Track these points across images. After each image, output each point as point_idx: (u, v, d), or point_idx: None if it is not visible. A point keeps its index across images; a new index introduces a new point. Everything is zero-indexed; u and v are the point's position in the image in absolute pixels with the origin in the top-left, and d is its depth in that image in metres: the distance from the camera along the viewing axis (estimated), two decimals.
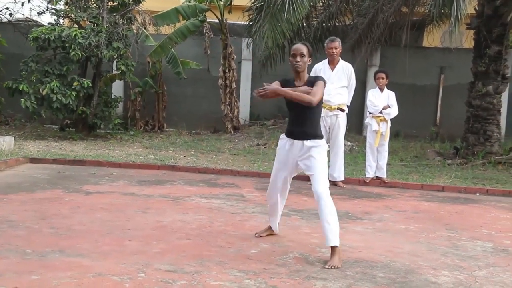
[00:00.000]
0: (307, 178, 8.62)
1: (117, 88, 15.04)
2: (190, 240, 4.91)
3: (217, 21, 14.58)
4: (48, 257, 4.14)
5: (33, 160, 9.22)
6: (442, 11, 11.48)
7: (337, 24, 14.55)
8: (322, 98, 4.70)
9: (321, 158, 4.70)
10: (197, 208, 6.35)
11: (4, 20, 14.82)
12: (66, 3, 13.65)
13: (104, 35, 12.12)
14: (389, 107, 8.70)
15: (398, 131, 14.26)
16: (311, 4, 12.50)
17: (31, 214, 5.57)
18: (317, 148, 4.70)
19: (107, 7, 12.88)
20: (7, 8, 14.57)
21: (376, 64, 15.28)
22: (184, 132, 14.45)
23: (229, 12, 14.58)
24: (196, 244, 4.79)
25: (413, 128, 14.85)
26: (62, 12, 13.46)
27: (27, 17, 15.45)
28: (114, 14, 13.02)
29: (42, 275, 3.73)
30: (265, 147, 12.43)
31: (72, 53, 11.73)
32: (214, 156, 11.03)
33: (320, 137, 4.78)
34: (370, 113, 8.87)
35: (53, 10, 13.51)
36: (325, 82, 4.78)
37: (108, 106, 13.23)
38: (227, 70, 14.48)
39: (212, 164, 9.91)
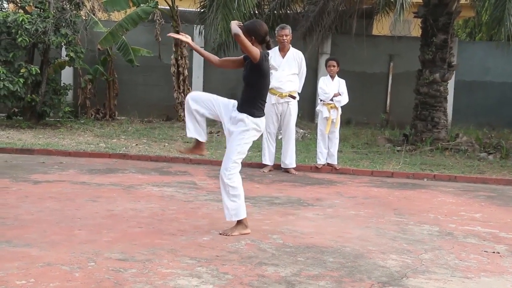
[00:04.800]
0: (259, 165, 8.72)
1: (67, 76, 14.71)
2: (141, 229, 4.88)
3: (168, 8, 14.42)
4: None
5: None
6: None
7: (288, 12, 14.61)
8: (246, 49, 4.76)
9: (238, 137, 4.82)
10: (149, 196, 6.32)
11: None
12: None
13: (52, 21, 11.83)
14: (340, 95, 8.80)
15: (349, 118, 14.47)
16: None
17: None
18: (242, 123, 4.82)
19: None
20: None
21: (327, 52, 15.42)
22: (136, 120, 14.29)
23: None
24: (147, 232, 4.77)
25: (364, 116, 15.09)
26: None
27: None
28: None
29: None
30: (218, 135, 12.42)
31: (19, 39, 11.41)
32: (167, 144, 10.96)
33: (252, 115, 4.84)
34: (321, 100, 8.96)
35: None
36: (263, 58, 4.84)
37: (57, 93, 12.94)
38: (179, 58, 14.37)
39: (165, 152, 9.85)
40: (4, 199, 5.72)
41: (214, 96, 5.06)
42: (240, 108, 4.89)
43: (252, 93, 4.94)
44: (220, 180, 4.93)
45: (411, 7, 10.35)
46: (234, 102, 4.99)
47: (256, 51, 4.77)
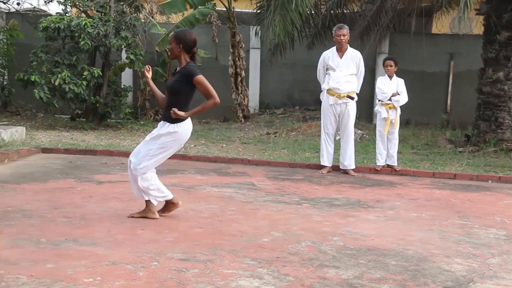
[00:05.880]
0: (317, 167, 8.67)
1: (127, 78, 15.04)
2: (202, 229, 4.93)
3: (225, 9, 14.54)
4: (62, 246, 4.17)
5: (45, 150, 9.26)
6: None
7: (345, 11, 14.48)
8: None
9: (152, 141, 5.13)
10: (209, 197, 6.37)
11: (12, 10, 14.86)
12: None
13: (112, 25, 12.11)
14: (398, 95, 8.66)
15: (409, 118, 14.22)
16: None
17: (45, 203, 5.61)
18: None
19: None
20: None
21: (385, 51, 15.21)
22: (194, 121, 14.37)
23: (235, 0, 14.54)
24: (208, 232, 4.81)
25: (423, 116, 14.79)
26: (69, 1, 13.45)
27: (35, 7, 15.48)
28: (121, 3, 13.00)
29: (57, 263, 3.76)
30: (275, 136, 12.42)
31: (82, 43, 11.74)
32: (225, 145, 11.04)
33: (171, 121, 5.08)
34: (379, 100, 8.83)
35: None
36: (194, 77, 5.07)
37: (118, 95, 13.24)
38: (236, 59, 14.46)
39: (223, 153, 9.92)
40: (70, 199, 5.89)
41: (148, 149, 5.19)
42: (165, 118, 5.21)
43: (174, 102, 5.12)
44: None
45: (474, 4, 10.06)
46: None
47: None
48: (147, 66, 5.45)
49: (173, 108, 4.95)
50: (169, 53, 5.27)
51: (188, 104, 5.14)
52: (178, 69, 5.21)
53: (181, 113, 4.98)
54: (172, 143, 5.11)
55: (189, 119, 5.17)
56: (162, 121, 5.19)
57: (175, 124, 5.05)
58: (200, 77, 5.02)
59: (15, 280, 3.40)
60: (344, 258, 4.21)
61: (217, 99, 5.08)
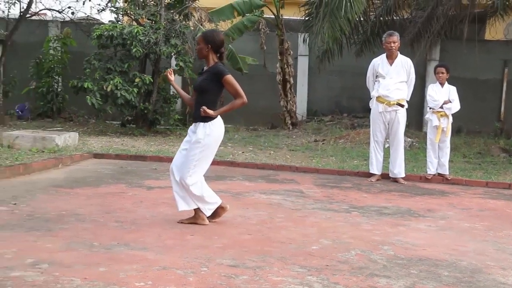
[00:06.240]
0: (366, 174, 8.58)
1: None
2: (251, 236, 4.93)
3: (273, 16, 14.58)
4: (114, 250, 4.25)
5: (97, 156, 9.47)
6: (507, 2, 11.10)
7: (395, 18, 14.31)
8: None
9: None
10: (257, 203, 6.38)
11: (67, 19, 15.27)
12: (125, 1, 13.96)
13: (162, 32, 12.31)
14: (450, 102, 8.50)
15: (460, 126, 13.90)
16: None
17: (97, 208, 5.73)
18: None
19: (165, 4, 13.07)
20: (69, 7, 15.02)
21: (435, 58, 14.94)
22: (242, 128, 14.53)
23: (282, 7, 14.56)
24: (257, 239, 4.82)
25: (475, 124, 14.44)
26: (122, 10, 13.75)
27: (88, 16, 15.88)
28: (171, 11, 13.21)
29: (109, 267, 3.82)
30: (323, 143, 12.36)
31: (134, 50, 11.96)
32: (272, 152, 11.05)
33: (202, 120, 5.14)
34: (430, 108, 8.69)
35: (112, 8, 13.83)
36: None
37: (167, 102, 13.43)
38: (284, 66, 14.46)
39: (271, 160, 9.93)
40: (121, 204, 5.99)
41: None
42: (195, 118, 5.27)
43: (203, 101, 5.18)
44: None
45: None
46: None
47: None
48: (169, 69, 5.64)
49: (202, 107, 5.02)
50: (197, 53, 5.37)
51: (216, 103, 5.23)
52: (205, 68, 5.28)
53: (210, 112, 5.05)
54: (211, 143, 5.17)
55: (219, 118, 5.22)
56: (193, 124, 5.24)
57: (208, 123, 5.12)
58: (229, 77, 5.10)
59: (70, 283, 3.47)
60: (395, 268, 4.14)
61: (245, 98, 5.16)
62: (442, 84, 8.59)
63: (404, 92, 8.39)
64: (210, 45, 5.16)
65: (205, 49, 5.17)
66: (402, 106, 8.37)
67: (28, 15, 14.38)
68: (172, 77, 5.57)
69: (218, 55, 5.22)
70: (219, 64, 5.19)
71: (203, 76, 5.23)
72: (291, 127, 14.44)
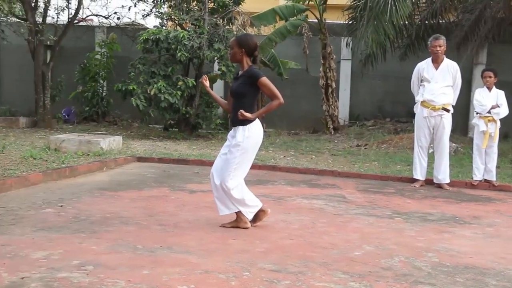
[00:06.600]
0: (410, 180, 8.45)
1: (218, 89, 15.34)
2: (293, 240, 4.91)
3: (316, 20, 14.54)
4: (157, 253, 4.28)
5: (140, 159, 9.60)
6: None
7: (440, 21, 14.10)
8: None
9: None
10: (299, 208, 6.35)
11: (113, 24, 15.57)
12: (170, 6, 14.14)
13: (206, 37, 12.41)
14: (498, 107, 8.31)
15: (508, 132, 13.56)
16: (413, 2, 12.18)
17: (140, 211, 5.80)
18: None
19: (208, 9, 13.18)
20: (115, 13, 15.32)
21: (482, 62, 14.65)
22: (284, 132, 14.52)
23: (325, 11, 14.51)
24: (299, 244, 4.79)
25: None
26: (166, 15, 13.94)
27: (133, 21, 16.16)
28: (215, 16, 13.31)
29: (152, 270, 3.86)
30: (365, 148, 12.24)
31: (179, 54, 12.11)
32: (314, 156, 11.00)
33: (241, 124, 5.15)
34: (477, 113, 8.50)
35: (157, 13, 14.03)
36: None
37: (209, 106, 13.53)
38: (327, 70, 14.40)
39: (312, 164, 9.88)
40: (164, 207, 6.05)
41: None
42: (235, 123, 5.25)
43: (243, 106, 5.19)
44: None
45: None
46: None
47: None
48: (204, 76, 5.68)
49: (240, 110, 5.04)
50: (230, 58, 5.40)
51: (253, 106, 5.24)
52: (240, 73, 5.30)
53: (248, 115, 5.06)
54: (250, 146, 5.16)
55: (257, 120, 5.22)
56: (232, 128, 5.26)
57: (247, 126, 5.12)
58: (264, 79, 5.12)
59: (114, 285, 3.52)
60: (440, 276, 4.05)
61: (281, 99, 5.12)
62: (489, 89, 8.41)
63: (449, 97, 8.24)
64: (244, 49, 5.19)
65: (239, 53, 5.20)
66: (447, 110, 8.21)
67: (75, 21, 14.72)
68: (207, 83, 5.61)
69: (252, 58, 5.24)
70: (254, 67, 5.22)
71: (238, 80, 5.25)
72: (333, 131, 14.37)
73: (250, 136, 5.12)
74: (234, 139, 5.16)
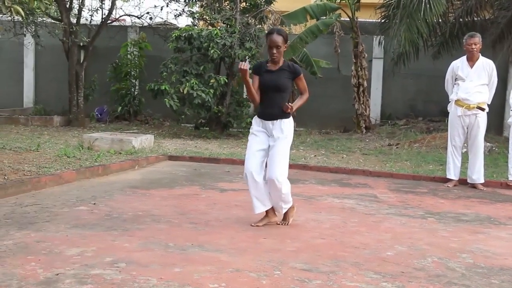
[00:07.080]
0: (443, 180, 8.33)
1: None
2: (324, 240, 4.88)
3: (348, 19, 14.45)
4: (189, 251, 4.30)
5: (171, 158, 9.66)
6: None
7: (475, 19, 13.84)
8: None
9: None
10: (330, 207, 6.32)
11: (145, 24, 15.72)
12: (201, 6, 14.22)
13: (237, 36, 12.44)
14: None
15: None
16: None
17: (171, 209, 5.84)
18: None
19: (240, 8, 13.20)
20: (147, 13, 15.46)
21: None
22: (314, 131, 14.46)
23: (357, 9, 14.39)
24: (330, 243, 4.76)
25: None
26: (198, 14, 14.01)
27: (165, 21, 16.30)
28: (247, 15, 13.33)
29: (183, 268, 3.88)
30: (397, 147, 12.11)
31: (211, 51, 12.16)
32: (345, 155, 10.93)
33: (285, 117, 5.23)
34: None
35: (189, 12, 14.12)
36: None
37: (240, 105, 13.56)
38: (359, 69, 14.29)
39: (343, 163, 9.82)
40: (195, 205, 6.08)
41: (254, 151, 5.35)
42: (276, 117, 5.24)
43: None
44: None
45: None
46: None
47: None
48: (245, 63, 5.05)
49: (288, 103, 5.12)
50: (273, 58, 5.13)
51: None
52: (270, 67, 5.21)
53: (295, 107, 5.17)
54: (292, 138, 5.37)
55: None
56: (270, 122, 5.23)
57: (289, 118, 5.25)
58: (302, 74, 5.31)
59: (146, 282, 3.55)
60: (475, 277, 3.99)
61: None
62: None
63: (485, 95, 8.09)
64: (286, 44, 5.23)
65: (284, 49, 5.19)
66: (482, 109, 8.07)
67: (108, 21, 14.91)
68: (247, 67, 5.03)
69: None
70: (291, 62, 5.36)
71: (277, 74, 5.18)
72: (364, 130, 14.25)
73: (292, 128, 5.29)
74: (279, 133, 5.18)
